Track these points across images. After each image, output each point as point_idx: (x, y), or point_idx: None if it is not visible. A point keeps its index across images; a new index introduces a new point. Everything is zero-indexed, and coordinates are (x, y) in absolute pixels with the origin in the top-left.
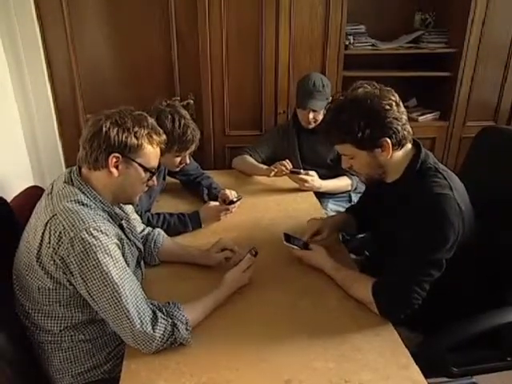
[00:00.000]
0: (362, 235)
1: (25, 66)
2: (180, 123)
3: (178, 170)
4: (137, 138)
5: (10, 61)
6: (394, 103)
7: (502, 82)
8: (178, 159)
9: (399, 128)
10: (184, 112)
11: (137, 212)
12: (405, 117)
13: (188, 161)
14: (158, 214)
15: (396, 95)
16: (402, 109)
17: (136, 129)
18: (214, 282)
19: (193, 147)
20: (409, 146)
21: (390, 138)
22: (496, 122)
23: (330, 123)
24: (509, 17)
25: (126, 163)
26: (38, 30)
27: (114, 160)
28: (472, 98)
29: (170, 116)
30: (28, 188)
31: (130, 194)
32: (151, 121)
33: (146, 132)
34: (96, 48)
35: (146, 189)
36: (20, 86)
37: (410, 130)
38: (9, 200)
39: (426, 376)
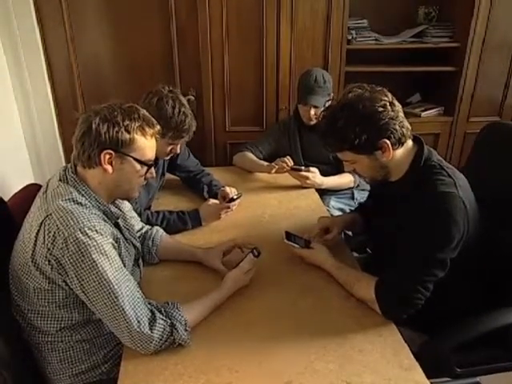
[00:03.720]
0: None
1: (24, 65)
2: (180, 111)
3: (167, 158)
4: (128, 132)
5: (9, 58)
6: (387, 103)
7: (507, 77)
8: (170, 147)
9: (396, 127)
10: (184, 101)
11: (135, 210)
12: (401, 114)
13: (179, 150)
14: (158, 212)
15: (389, 94)
16: (397, 107)
17: (127, 122)
18: (214, 282)
19: (187, 137)
20: (409, 142)
21: (389, 138)
22: (501, 118)
23: (325, 133)
24: None
25: (120, 159)
26: (37, 29)
27: (107, 157)
28: (476, 93)
29: (171, 101)
30: (28, 185)
31: (128, 189)
32: (143, 112)
33: (137, 125)
34: (95, 45)
35: (145, 182)
36: (19, 84)
37: (409, 126)
38: (8, 197)
39: (429, 376)
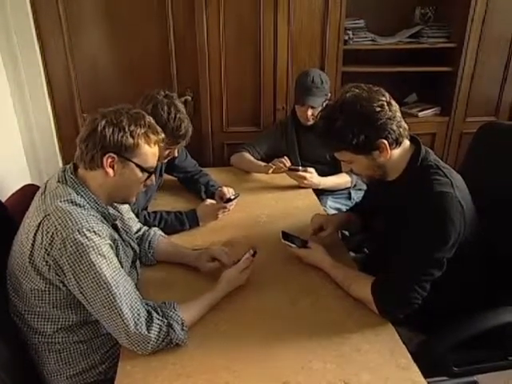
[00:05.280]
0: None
1: (21, 65)
2: (175, 116)
3: (164, 161)
4: (133, 138)
5: (5, 59)
6: (384, 103)
7: (503, 77)
8: (167, 152)
9: (394, 127)
10: (180, 105)
11: (133, 211)
12: (399, 114)
13: (176, 154)
14: (155, 213)
15: (386, 94)
16: (395, 106)
17: (132, 128)
18: (210, 282)
19: (184, 142)
20: (406, 142)
21: (386, 138)
22: (497, 118)
23: (323, 133)
24: (511, 10)
25: (121, 163)
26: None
27: (110, 160)
28: (473, 93)
29: (166, 107)
30: (24, 186)
31: (127, 194)
32: (149, 119)
33: (142, 131)
34: (92, 46)
35: (144, 189)
36: (16, 84)
37: (406, 126)
38: (5, 198)
39: (426, 376)
